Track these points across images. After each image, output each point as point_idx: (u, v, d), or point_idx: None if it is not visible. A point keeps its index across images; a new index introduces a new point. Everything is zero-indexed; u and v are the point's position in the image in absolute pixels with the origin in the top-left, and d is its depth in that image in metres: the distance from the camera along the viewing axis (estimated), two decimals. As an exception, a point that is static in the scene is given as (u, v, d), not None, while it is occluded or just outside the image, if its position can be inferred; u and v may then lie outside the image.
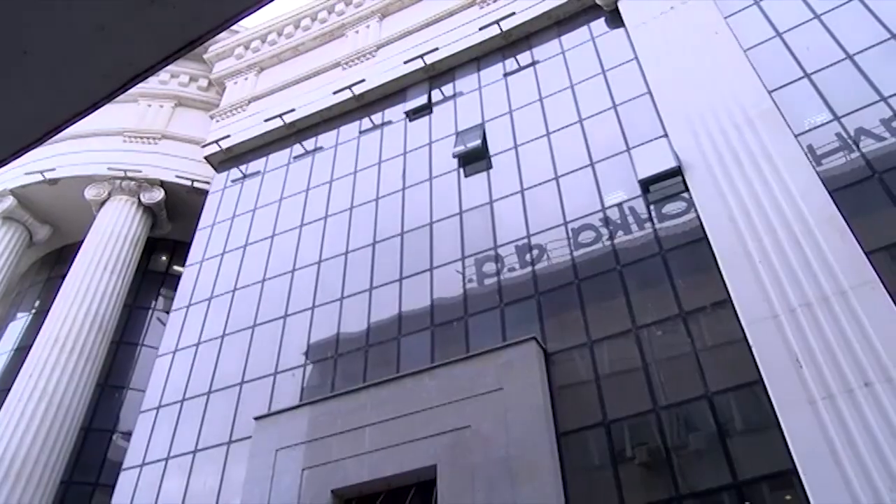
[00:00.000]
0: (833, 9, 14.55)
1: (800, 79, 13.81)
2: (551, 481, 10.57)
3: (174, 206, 24.03)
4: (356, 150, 20.01)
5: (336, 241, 17.58)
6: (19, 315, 24.13)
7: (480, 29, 20.05)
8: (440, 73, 20.52)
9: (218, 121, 24.02)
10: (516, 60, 19.36)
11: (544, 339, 12.74)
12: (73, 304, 20.11)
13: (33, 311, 23.83)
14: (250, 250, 19.00)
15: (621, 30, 17.71)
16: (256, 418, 14.12)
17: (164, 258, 25.14)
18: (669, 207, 13.59)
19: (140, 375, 21.35)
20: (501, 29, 19.71)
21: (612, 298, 12.82)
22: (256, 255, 18.70)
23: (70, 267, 21.72)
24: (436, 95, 20.04)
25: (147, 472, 15.06)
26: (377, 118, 20.65)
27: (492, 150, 17.19)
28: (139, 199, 23.32)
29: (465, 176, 17.04)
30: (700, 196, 13.09)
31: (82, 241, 22.58)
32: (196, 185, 23.43)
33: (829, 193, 11.69)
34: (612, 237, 13.73)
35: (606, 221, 14.01)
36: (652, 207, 13.73)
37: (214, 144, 22.50)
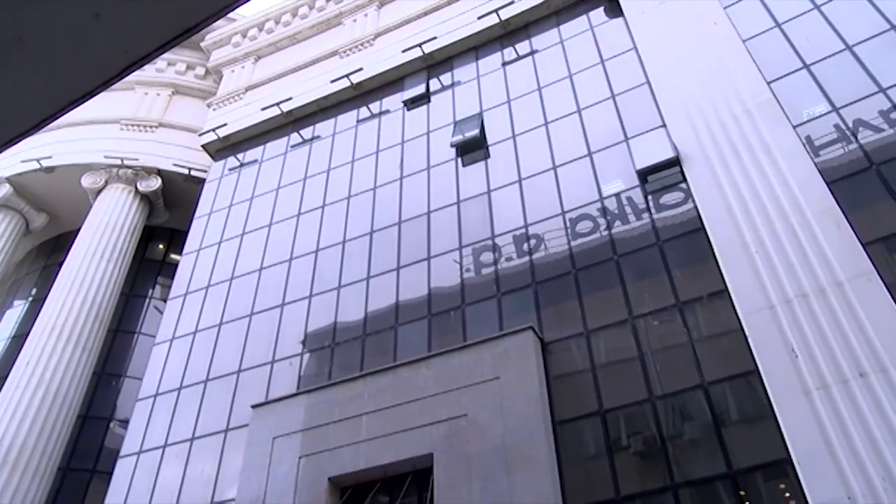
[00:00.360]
0: (832, -1, 14.52)
1: (799, 70, 13.78)
2: (547, 470, 10.62)
3: (171, 194, 23.99)
4: (354, 140, 19.96)
5: (333, 230, 17.56)
6: (16, 303, 24.14)
7: (479, 18, 19.97)
8: (438, 63, 20.45)
9: (215, 109, 23.93)
10: (515, 50, 19.29)
11: (541, 329, 12.77)
12: (70, 293, 20.11)
13: (30, 299, 23.82)
14: (247, 239, 18.98)
15: (620, 19, 17.65)
16: (254, 406, 14.15)
17: (160, 246, 25.12)
18: (667, 198, 13.59)
19: (137, 364, 21.40)
20: (500, 18, 19.63)
21: (609, 288, 12.85)
22: (253, 243, 18.68)
23: (67, 255, 21.72)
24: (434, 84, 19.97)
25: (144, 460, 15.11)
26: (375, 107, 20.59)
27: (490, 140, 17.16)
28: (136, 187, 23.29)
29: (463, 165, 17.02)
30: (698, 186, 13.09)
31: (79, 230, 22.57)
32: (193, 173, 23.41)
33: (827, 185, 11.70)
34: (609, 227, 13.74)
35: (604, 211, 14.02)
36: (650, 198, 13.74)
37: (211, 133, 22.44)
